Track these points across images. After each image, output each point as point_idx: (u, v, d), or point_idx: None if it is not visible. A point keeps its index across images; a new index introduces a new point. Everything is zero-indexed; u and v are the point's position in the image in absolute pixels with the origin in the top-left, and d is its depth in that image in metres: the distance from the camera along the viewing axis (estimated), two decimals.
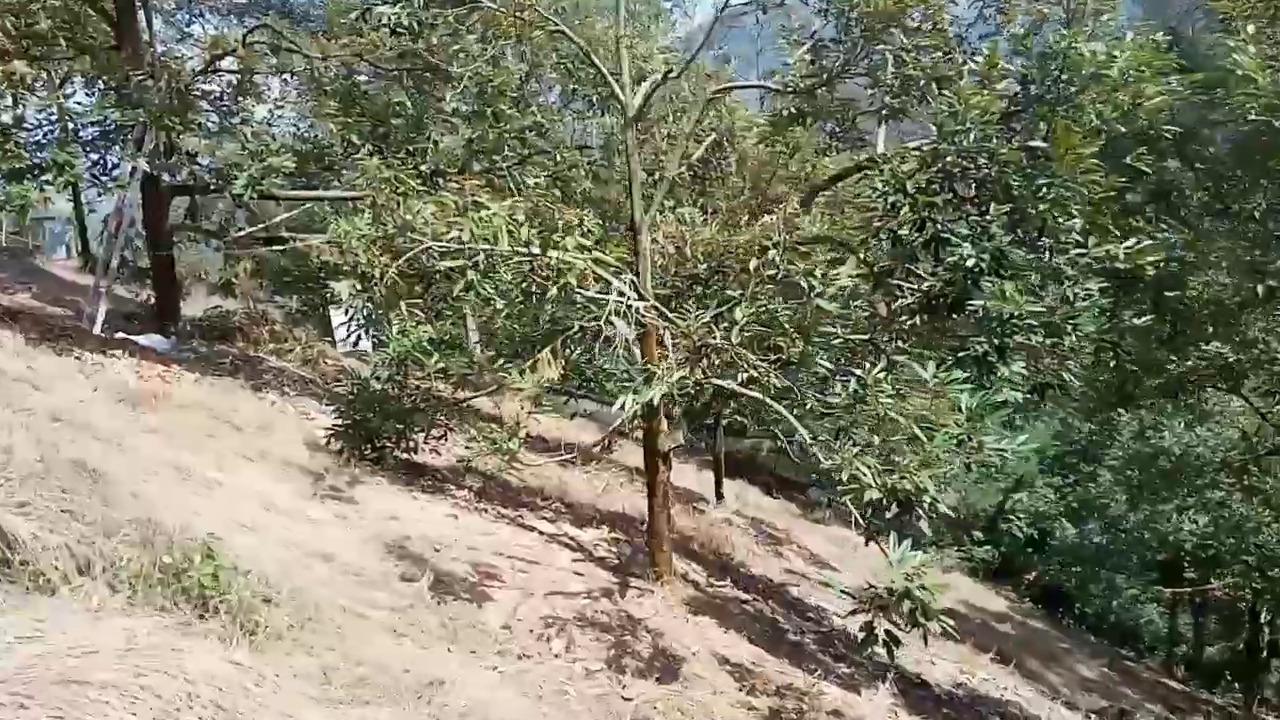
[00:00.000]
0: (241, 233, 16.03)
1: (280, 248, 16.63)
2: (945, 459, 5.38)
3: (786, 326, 5.65)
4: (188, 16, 23.23)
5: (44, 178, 10.00)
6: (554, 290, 7.28)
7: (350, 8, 21.27)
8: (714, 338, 5.79)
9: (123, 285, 17.70)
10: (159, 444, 7.96)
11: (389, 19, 8.24)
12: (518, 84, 14.11)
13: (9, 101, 10.22)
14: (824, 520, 23.27)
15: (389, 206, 8.31)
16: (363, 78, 13.98)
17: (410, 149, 12.97)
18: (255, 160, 11.55)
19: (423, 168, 13.01)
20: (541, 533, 10.10)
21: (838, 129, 9.80)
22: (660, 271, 9.51)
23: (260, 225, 16.28)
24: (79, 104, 11.63)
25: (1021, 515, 25.91)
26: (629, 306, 5.65)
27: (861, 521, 5.98)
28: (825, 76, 8.40)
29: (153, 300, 16.62)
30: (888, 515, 5.76)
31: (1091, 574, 26.86)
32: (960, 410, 5.48)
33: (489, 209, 6.82)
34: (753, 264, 5.45)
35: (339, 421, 10.70)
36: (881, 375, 5.91)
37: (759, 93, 17.30)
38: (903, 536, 5.52)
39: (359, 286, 7.73)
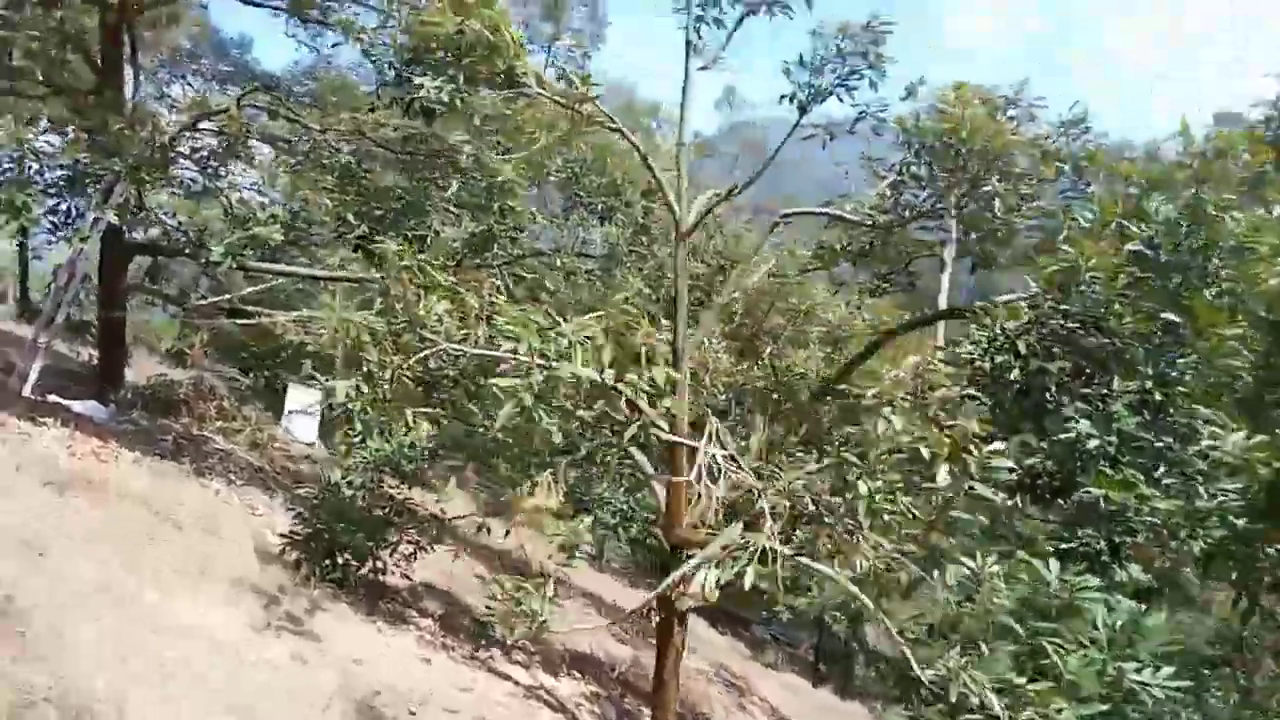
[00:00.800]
0: (203, 301, 14.78)
1: (245, 321, 15.45)
2: (1089, 687, 4.45)
3: (913, 510, 4.74)
4: (169, 76, 22.57)
5: None
6: (634, 429, 6.33)
7: (345, 85, 20.76)
8: (823, 505, 4.84)
9: (63, 342, 16.16)
10: (90, 551, 6.61)
11: (429, 92, 7.49)
12: (527, 183, 13.49)
13: None
14: (775, 665, 21.98)
15: (406, 299, 7.36)
16: (347, 158, 13.22)
17: (408, 235, 12.09)
18: (238, 228, 10.52)
19: (421, 257, 12.15)
20: (518, 683, 8.78)
21: (893, 271, 9.23)
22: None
23: (224, 296, 15.08)
24: (48, 144, 10.49)
25: None
26: (713, 457, 4.74)
27: None
28: (907, 213, 7.86)
29: (94, 361, 15.16)
30: None
31: None
32: (1097, 626, 4.60)
33: (557, 324, 5.90)
34: (880, 426, 4.59)
35: (298, 528, 9.37)
36: (996, 569, 5.01)
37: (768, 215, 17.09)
38: None
39: (362, 388, 6.66)
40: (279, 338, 16.92)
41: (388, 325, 7.18)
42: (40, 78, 12.36)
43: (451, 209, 12.71)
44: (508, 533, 9.46)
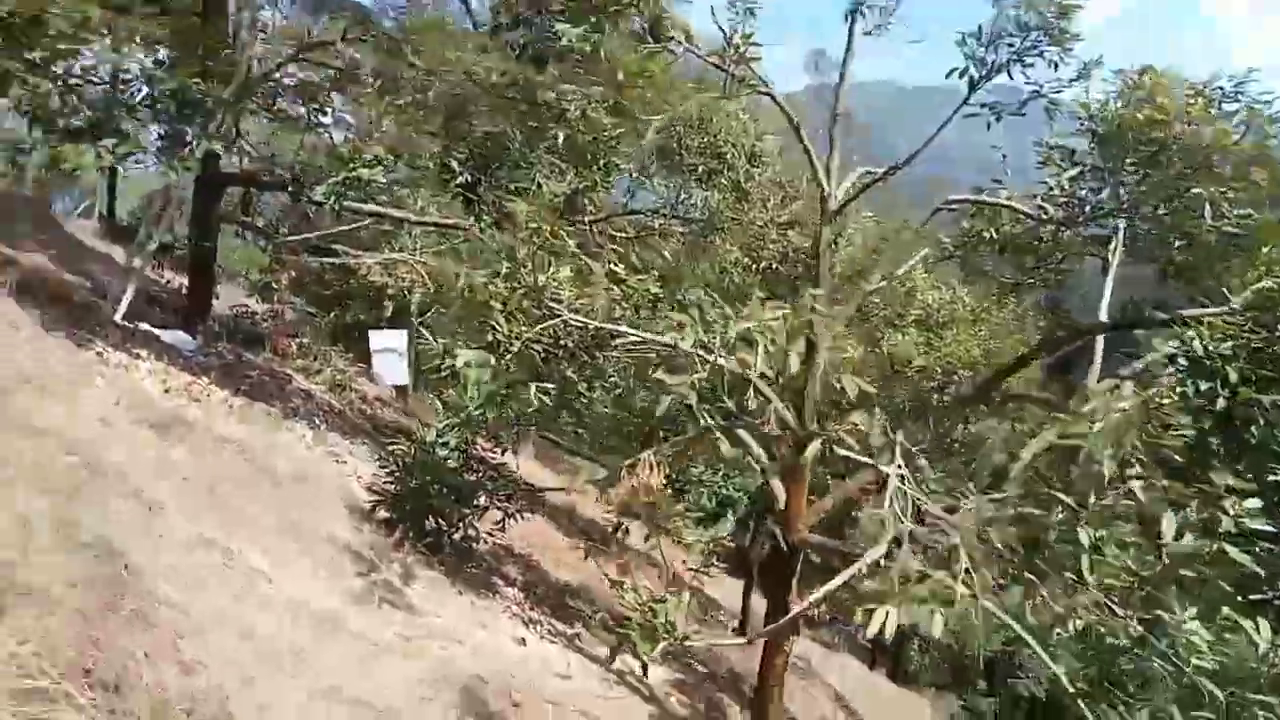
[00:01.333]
0: (292, 237, 14.48)
1: (331, 260, 15.15)
2: None
3: (1139, 571, 4.10)
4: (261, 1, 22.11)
5: (104, 142, 8.48)
6: (815, 447, 5.76)
7: (441, 23, 20.03)
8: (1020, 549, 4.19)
9: (151, 267, 16.06)
10: (191, 503, 6.30)
11: (570, 40, 6.84)
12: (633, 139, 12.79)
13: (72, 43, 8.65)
14: (833, 645, 21.68)
15: (533, 263, 6.82)
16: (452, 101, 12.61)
17: (511, 187, 11.55)
18: (341, 167, 10.07)
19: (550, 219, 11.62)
20: (609, 668, 8.40)
21: (1039, 265, 8.39)
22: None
23: (312, 233, 14.76)
24: (148, 65, 10.00)
25: None
26: (905, 495, 4.11)
27: None
28: (1087, 208, 7.04)
29: (181, 288, 15.05)
30: None
31: None
32: None
33: (727, 315, 5.29)
34: (1105, 467, 3.89)
35: (390, 485, 9.04)
36: (1196, 625, 4.36)
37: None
38: None
39: (489, 359, 6.17)
40: (362, 278, 16.62)
41: (510, 290, 6.66)
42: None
43: (557, 161, 12.09)
44: (622, 526, 8.98)
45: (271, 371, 14.29)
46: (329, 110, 11.72)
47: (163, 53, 10.52)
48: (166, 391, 9.58)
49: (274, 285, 15.51)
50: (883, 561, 4.12)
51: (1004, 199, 7.77)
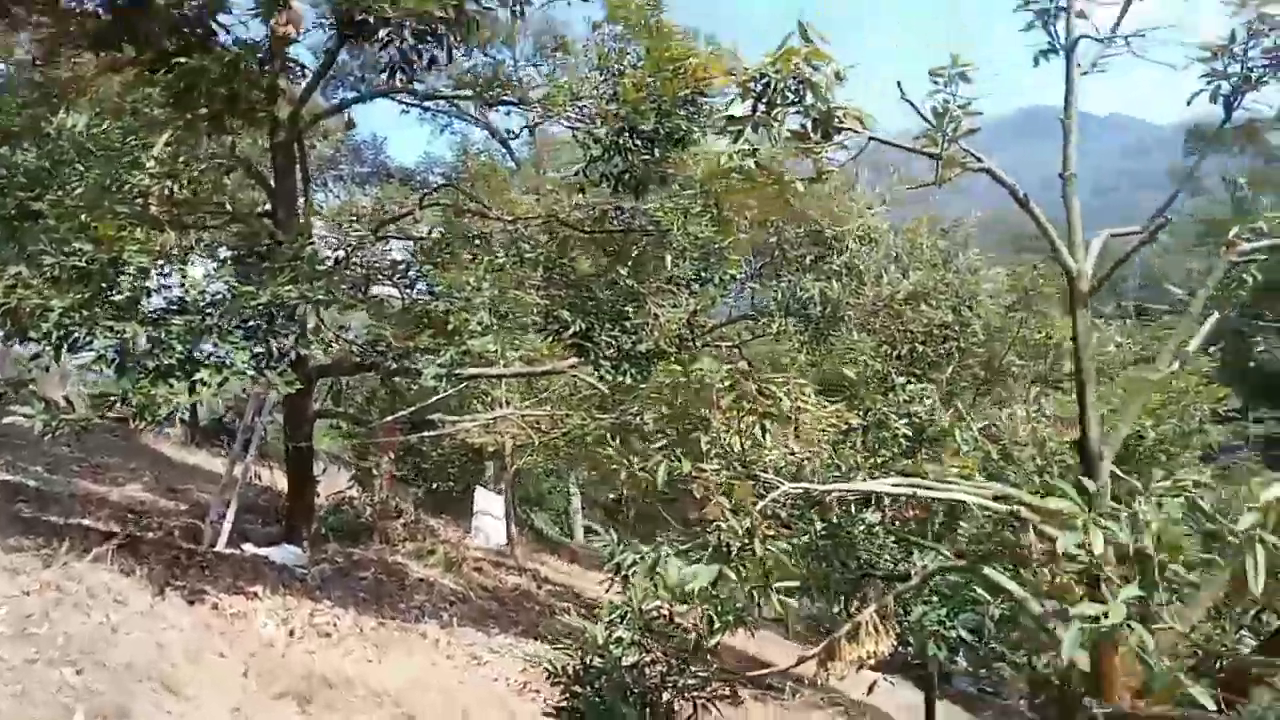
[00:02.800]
0: (388, 418, 13.51)
1: (432, 434, 14.13)
2: None
3: None
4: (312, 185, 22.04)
5: (199, 375, 7.55)
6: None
7: (495, 169, 19.46)
8: None
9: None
10: None
11: (729, 157, 5.65)
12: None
13: (150, 280, 7.87)
14: None
15: (737, 433, 5.47)
16: (549, 248, 11.68)
17: (626, 325, 10.39)
18: (450, 343, 9.02)
19: (641, 348, 10.42)
20: None
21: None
22: None
23: (409, 409, 13.79)
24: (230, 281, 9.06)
25: None
26: None
27: None
28: None
29: (275, 486, 14.16)
30: None
31: None
32: None
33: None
34: None
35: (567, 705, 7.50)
36: None
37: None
38: None
39: (720, 569, 4.75)
40: (460, 442, 15.60)
41: (725, 472, 5.30)
42: (216, 206, 11.43)
43: (668, 287, 10.97)
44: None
45: (385, 566, 13.12)
46: (416, 282, 10.80)
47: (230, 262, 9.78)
48: (292, 635, 8.36)
49: (374, 472, 14.49)
50: None
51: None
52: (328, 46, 10.29)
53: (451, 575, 14.25)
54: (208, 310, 7.93)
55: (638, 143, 9.94)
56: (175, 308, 7.82)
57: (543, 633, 12.49)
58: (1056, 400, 12.13)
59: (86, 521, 10.93)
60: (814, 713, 13.50)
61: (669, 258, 10.94)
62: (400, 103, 14.08)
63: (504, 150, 21.22)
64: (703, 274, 11.12)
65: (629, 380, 10.44)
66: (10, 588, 6.79)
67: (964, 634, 8.26)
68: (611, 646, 7.66)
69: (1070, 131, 5.82)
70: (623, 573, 6.62)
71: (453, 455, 16.34)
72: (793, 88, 5.95)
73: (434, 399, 14.12)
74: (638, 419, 14.02)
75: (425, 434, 13.93)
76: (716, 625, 5.21)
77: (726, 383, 5.29)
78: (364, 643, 8.77)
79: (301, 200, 12.41)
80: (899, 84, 5.46)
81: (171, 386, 7.49)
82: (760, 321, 13.63)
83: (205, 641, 7.21)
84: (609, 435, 15.17)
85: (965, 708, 19.75)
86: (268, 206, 12.93)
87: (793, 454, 5.47)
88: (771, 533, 4.78)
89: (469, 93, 11.59)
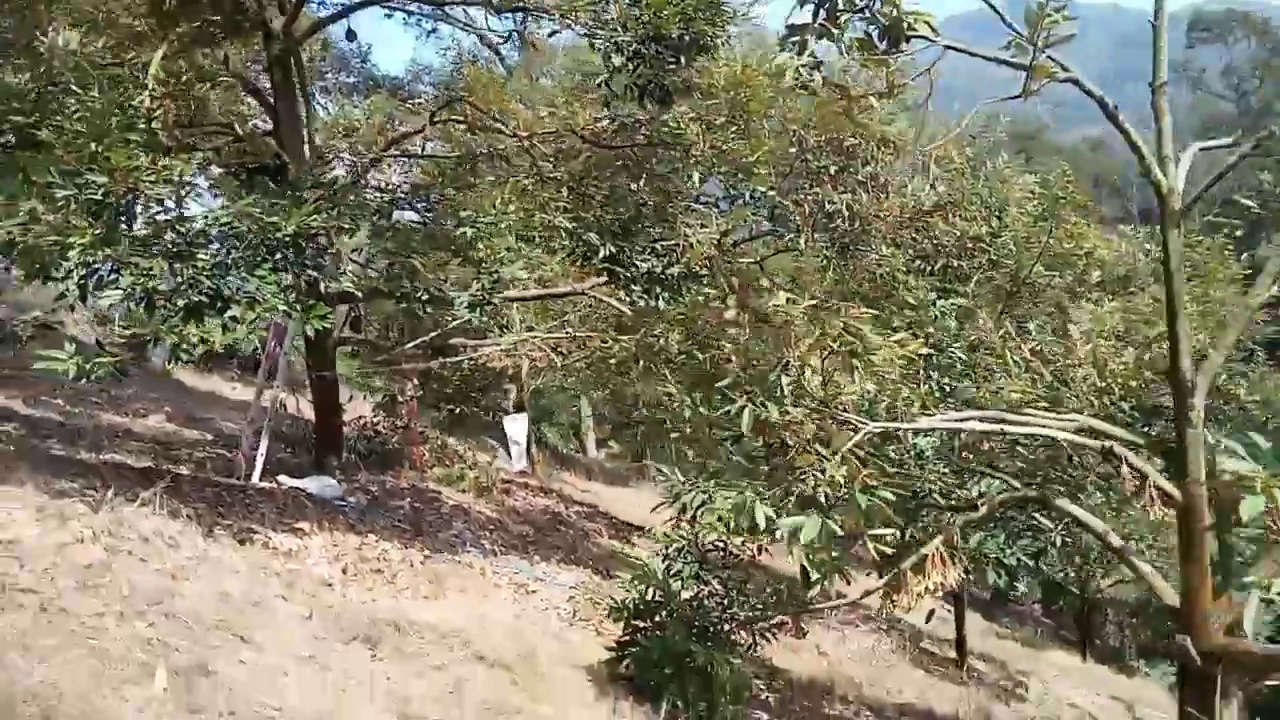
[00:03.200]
0: (410, 344, 13.26)
1: (455, 359, 13.90)
2: None
3: None
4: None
5: (231, 312, 7.24)
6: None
7: (492, 80, 18.63)
8: None
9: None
10: None
11: (797, 74, 5.23)
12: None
13: (166, 207, 7.43)
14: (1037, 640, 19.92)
15: (809, 370, 5.22)
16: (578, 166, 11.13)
17: (657, 248, 10.03)
18: (481, 271, 8.68)
19: (672, 271, 10.08)
20: None
21: None
22: None
23: (431, 334, 13.52)
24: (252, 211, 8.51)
25: None
26: None
27: None
28: None
29: (299, 411, 14.00)
30: None
31: None
32: None
33: None
34: None
35: (627, 642, 7.52)
36: None
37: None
38: None
39: (823, 523, 4.58)
40: (482, 366, 15.39)
41: (805, 411, 5.07)
42: (220, 125, 10.88)
43: (696, 206, 10.55)
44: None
45: (418, 493, 13.11)
46: (435, 205, 10.35)
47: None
48: (345, 573, 8.32)
49: (398, 398, 14.31)
50: None
51: None
52: None
53: (483, 500, 14.27)
54: (232, 241, 7.55)
55: (662, 50, 9.37)
56: (199, 240, 7.42)
57: (581, 558, 12.61)
58: (1091, 312, 11.89)
59: (117, 457, 10.82)
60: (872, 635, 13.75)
61: (696, 174, 10.48)
62: (388, 7, 13.29)
63: (495, 57, 20.28)
64: (731, 190, 10.68)
65: (660, 304, 10.16)
66: (63, 534, 6.64)
67: (1025, 560, 8.21)
68: (670, 580, 7.65)
69: (1160, 36, 5.37)
70: (690, 512, 6.49)
71: (473, 378, 16.15)
72: None
73: (454, 323, 13.85)
74: (661, 341, 13.80)
75: (447, 359, 13.66)
76: (814, 576, 5.04)
77: (805, 319, 4.98)
78: (417, 578, 8.75)
79: (304, 116, 11.81)
80: None
81: (204, 324, 7.20)
82: (786, 237, 13.19)
83: (264, 585, 7.13)
84: (634, 358, 15.01)
85: (984, 615, 20.30)
86: (267, 124, 12.37)
87: (866, 391, 5.21)
88: (874, 482, 4.56)
89: None
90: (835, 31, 5.60)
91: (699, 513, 6.40)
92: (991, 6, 5.04)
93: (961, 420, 5.49)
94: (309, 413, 13.35)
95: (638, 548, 12.17)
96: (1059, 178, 14.33)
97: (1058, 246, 14.50)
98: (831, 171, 13.34)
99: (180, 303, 7.08)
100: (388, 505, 11.93)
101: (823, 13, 5.55)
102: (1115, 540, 6.43)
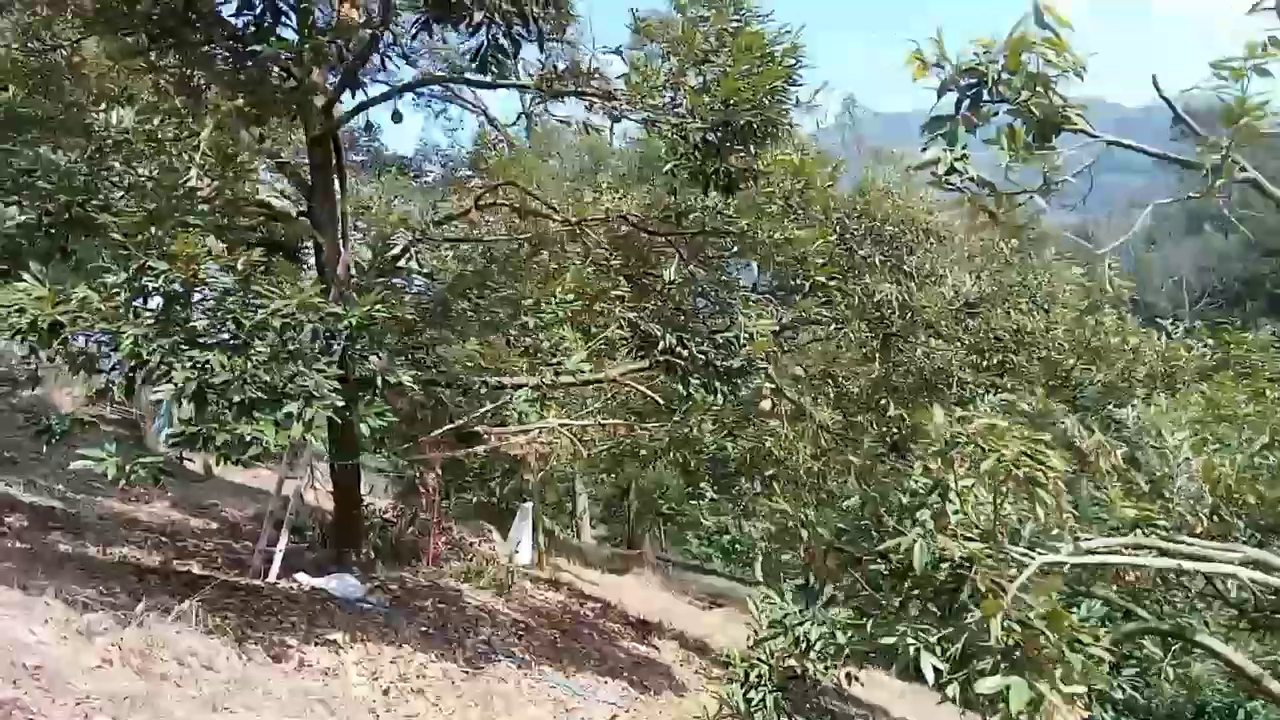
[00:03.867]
0: (438, 430, 12.65)
1: (480, 447, 13.26)
2: None
3: None
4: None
5: (289, 408, 6.66)
6: None
7: (517, 160, 18.57)
8: None
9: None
10: None
11: (951, 169, 4.88)
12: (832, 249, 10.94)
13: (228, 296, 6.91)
14: None
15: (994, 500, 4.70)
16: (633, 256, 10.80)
17: (717, 340, 9.62)
18: (543, 364, 8.20)
19: (733, 363, 9.65)
20: None
21: None
22: None
23: (458, 422, 12.92)
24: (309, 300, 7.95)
25: None
26: None
27: None
28: None
29: (314, 499, 13.24)
30: None
31: None
32: None
33: None
34: None
35: None
36: None
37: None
38: None
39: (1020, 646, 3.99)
40: (508, 455, 14.75)
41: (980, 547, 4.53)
42: (259, 205, 10.46)
43: (754, 297, 10.20)
44: None
45: (440, 593, 12.29)
46: (485, 296, 9.92)
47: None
48: (386, 694, 7.55)
49: (421, 489, 13.63)
50: None
51: None
52: (413, 29, 9.29)
53: (504, 600, 13.46)
54: (291, 333, 7.03)
55: (730, 137, 9.16)
56: (258, 331, 6.89)
57: (614, 667, 11.76)
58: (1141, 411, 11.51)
59: (126, 551, 10.06)
60: None
61: (755, 264, 10.17)
62: (443, 85, 13.15)
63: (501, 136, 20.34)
64: (791, 282, 10.36)
65: (719, 399, 9.71)
66: (90, 655, 5.94)
67: (1130, 691, 7.59)
68: (754, 713, 6.95)
69: None
70: (801, 647, 5.85)
71: (492, 466, 15.50)
72: (1006, 80, 5.19)
73: (481, 411, 13.28)
74: (693, 431, 13.29)
75: (472, 447, 13.03)
76: None
77: (974, 442, 4.46)
78: (459, 699, 7.98)
79: (340, 197, 11.46)
80: (1154, 79, 4.71)
81: (258, 422, 6.61)
82: (831, 327, 12.88)
83: (306, 711, 6.38)
84: (667, 448, 14.49)
85: None
86: (300, 206, 12.00)
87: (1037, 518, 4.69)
88: (1087, 638, 4.00)
89: (533, 82, 10.68)
90: (978, 124, 5.30)
91: (816, 648, 5.75)
92: (1169, 103, 4.75)
93: (1136, 557, 4.96)
94: (322, 498, 12.63)
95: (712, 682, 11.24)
96: (1103, 272, 14.21)
97: (1100, 340, 14.29)
98: (876, 260, 13.15)
99: (236, 398, 6.51)
100: (410, 605, 11.12)
101: (965, 104, 5.25)
102: (1272, 684, 5.87)
